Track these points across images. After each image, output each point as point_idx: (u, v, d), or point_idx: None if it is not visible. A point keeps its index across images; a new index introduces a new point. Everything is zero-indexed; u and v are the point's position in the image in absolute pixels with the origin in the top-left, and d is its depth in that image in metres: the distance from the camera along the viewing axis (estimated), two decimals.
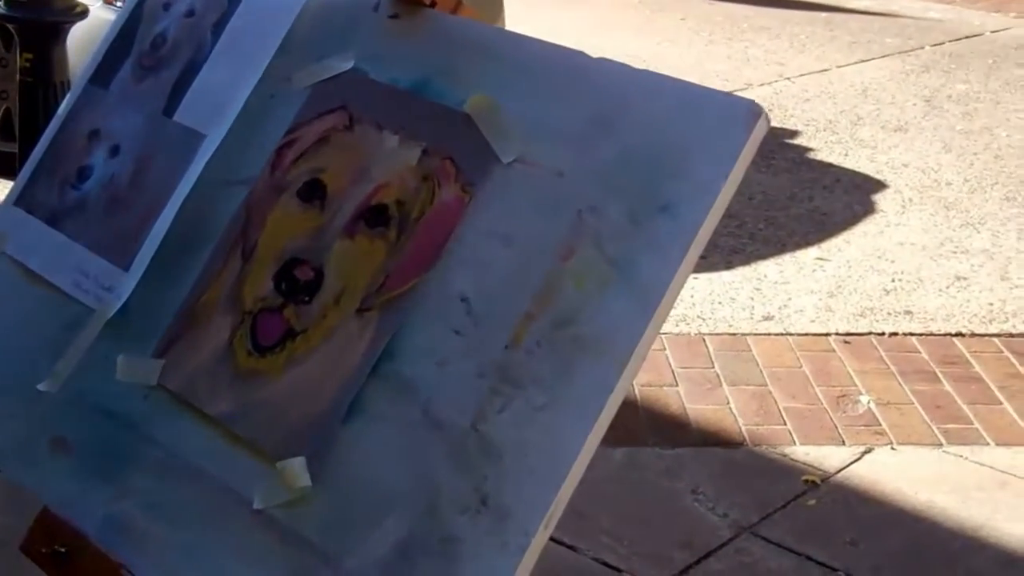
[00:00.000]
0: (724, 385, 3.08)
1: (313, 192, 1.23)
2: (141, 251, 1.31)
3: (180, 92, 1.38)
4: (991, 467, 2.76)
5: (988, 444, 2.84)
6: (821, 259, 3.94)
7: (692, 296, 3.56)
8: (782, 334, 3.38)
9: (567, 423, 1.01)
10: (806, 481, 2.69)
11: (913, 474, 2.72)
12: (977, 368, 3.21)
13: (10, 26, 3.38)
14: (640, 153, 1.07)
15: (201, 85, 1.37)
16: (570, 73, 1.14)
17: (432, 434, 1.06)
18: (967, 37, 7.11)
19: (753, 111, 1.05)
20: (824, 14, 7.49)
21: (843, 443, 2.85)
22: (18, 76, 3.20)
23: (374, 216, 1.18)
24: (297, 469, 1.09)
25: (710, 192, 1.03)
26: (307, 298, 1.18)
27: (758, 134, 1.05)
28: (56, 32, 3.04)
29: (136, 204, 1.35)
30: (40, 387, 1.31)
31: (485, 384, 1.06)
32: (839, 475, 2.74)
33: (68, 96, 1.48)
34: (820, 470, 2.72)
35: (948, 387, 3.10)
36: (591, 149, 1.09)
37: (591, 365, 1.02)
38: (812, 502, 2.63)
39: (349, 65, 1.27)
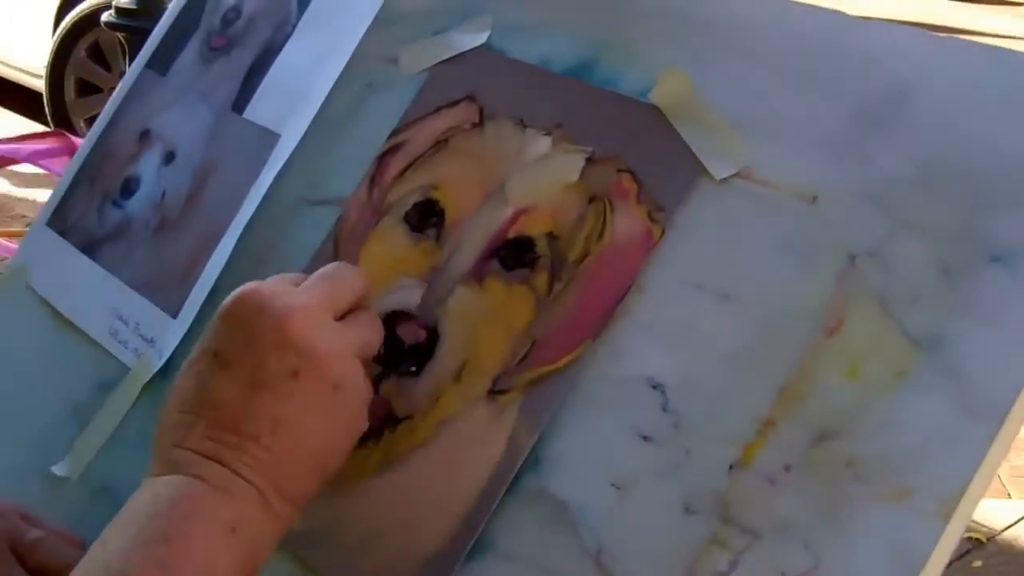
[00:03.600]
0: None
1: (426, 216, 0.78)
2: (193, 293, 0.88)
3: (254, 81, 0.94)
4: None
5: None
6: None
7: None
8: None
9: None
10: (970, 539, 2.21)
11: None
12: None
13: (119, 35, 3.06)
14: (950, 166, 0.61)
15: (279, 72, 0.93)
16: (820, 43, 0.68)
17: None
18: None
19: None
20: None
21: (1009, 496, 2.34)
22: None
23: (514, 254, 0.73)
24: None
25: None
26: (414, 368, 0.73)
27: None
28: None
29: (192, 228, 0.91)
30: (55, 470, 0.88)
31: (696, 526, 0.60)
32: (1007, 532, 2.24)
33: (119, 86, 1.05)
34: (986, 527, 2.23)
35: None
36: (864, 160, 0.63)
37: (883, 510, 0.55)
38: (978, 563, 2.15)
39: (481, 40, 0.82)
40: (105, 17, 2.97)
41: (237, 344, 0.64)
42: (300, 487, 0.63)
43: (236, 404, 0.63)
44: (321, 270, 0.69)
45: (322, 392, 0.63)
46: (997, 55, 0.62)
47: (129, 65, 2.93)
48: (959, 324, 0.57)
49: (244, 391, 0.63)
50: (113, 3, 2.99)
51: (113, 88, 3.71)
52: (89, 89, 4.97)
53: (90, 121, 4.17)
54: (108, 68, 4.89)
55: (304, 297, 0.66)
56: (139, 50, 3.11)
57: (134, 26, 2.78)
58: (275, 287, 0.66)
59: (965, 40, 0.62)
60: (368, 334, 0.69)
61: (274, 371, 0.63)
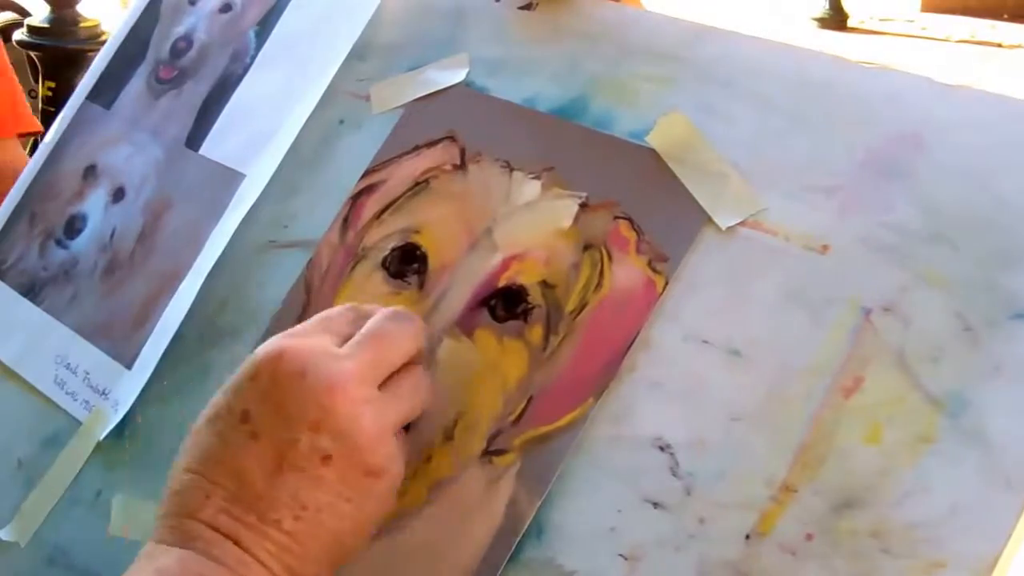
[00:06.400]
0: None
1: (408, 262, 0.76)
2: (150, 340, 0.84)
3: (210, 115, 0.91)
4: None
5: None
6: None
7: None
8: None
9: None
10: None
11: None
12: None
13: (32, 54, 3.00)
14: (968, 217, 0.60)
15: (239, 106, 0.90)
16: (831, 87, 0.67)
17: None
18: None
19: None
20: None
21: None
22: (40, 105, 2.81)
23: (506, 304, 0.71)
24: None
25: None
26: (402, 428, 0.71)
27: None
28: (79, 60, 2.71)
29: (145, 271, 0.88)
30: (2, 535, 0.85)
31: None
32: None
33: (59, 118, 1.01)
34: None
35: None
36: (877, 209, 0.63)
37: None
38: None
39: (459, 77, 0.80)
40: (18, 35, 2.91)
41: (268, 412, 0.60)
42: (315, 571, 0.61)
43: (260, 483, 0.59)
44: (375, 322, 0.64)
45: (353, 479, 0.60)
46: (1013, 105, 0.61)
47: (41, 84, 2.86)
48: (983, 384, 0.57)
49: (271, 469, 0.60)
50: (26, 22, 2.94)
51: None
52: None
53: None
54: None
55: (349, 365, 0.61)
56: (55, 69, 3.06)
57: (48, 45, 2.75)
58: (318, 346, 0.62)
59: (979, 90, 0.62)
60: (413, 404, 0.65)
61: (305, 453, 0.59)
